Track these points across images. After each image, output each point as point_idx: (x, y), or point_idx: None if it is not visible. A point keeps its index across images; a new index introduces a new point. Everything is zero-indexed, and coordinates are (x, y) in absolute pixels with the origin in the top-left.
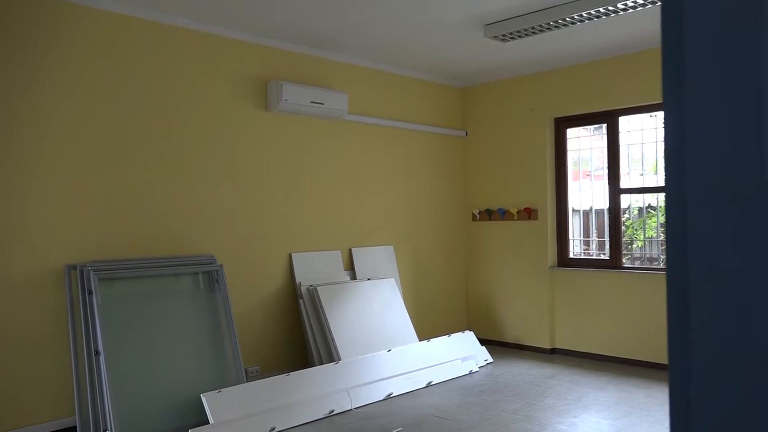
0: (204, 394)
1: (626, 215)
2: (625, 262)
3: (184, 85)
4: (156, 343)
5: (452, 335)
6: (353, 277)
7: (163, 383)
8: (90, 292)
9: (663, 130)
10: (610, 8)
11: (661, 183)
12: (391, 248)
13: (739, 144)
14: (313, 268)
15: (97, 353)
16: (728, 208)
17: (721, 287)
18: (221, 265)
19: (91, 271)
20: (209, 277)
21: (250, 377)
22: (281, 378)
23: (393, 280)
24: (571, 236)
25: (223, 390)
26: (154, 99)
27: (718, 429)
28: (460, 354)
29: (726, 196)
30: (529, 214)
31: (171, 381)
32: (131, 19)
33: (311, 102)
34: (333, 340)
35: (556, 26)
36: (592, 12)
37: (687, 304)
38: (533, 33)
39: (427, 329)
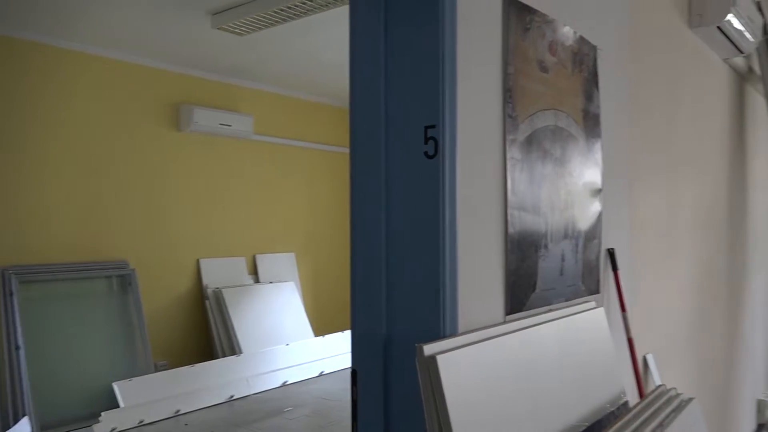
0: (115, 382)
1: None
2: None
3: (103, 107)
4: (71, 339)
5: (345, 331)
6: (256, 281)
7: (77, 375)
8: (11, 294)
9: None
10: None
11: None
12: (292, 255)
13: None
14: (219, 272)
15: (18, 348)
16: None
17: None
18: (133, 270)
19: (12, 275)
20: (122, 280)
21: (159, 370)
22: (187, 369)
23: (293, 283)
24: None
25: (133, 379)
26: (76, 119)
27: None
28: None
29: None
30: None
31: (85, 373)
32: (51, 49)
33: (220, 124)
34: (236, 336)
35: None
36: None
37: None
38: None
39: (325, 326)
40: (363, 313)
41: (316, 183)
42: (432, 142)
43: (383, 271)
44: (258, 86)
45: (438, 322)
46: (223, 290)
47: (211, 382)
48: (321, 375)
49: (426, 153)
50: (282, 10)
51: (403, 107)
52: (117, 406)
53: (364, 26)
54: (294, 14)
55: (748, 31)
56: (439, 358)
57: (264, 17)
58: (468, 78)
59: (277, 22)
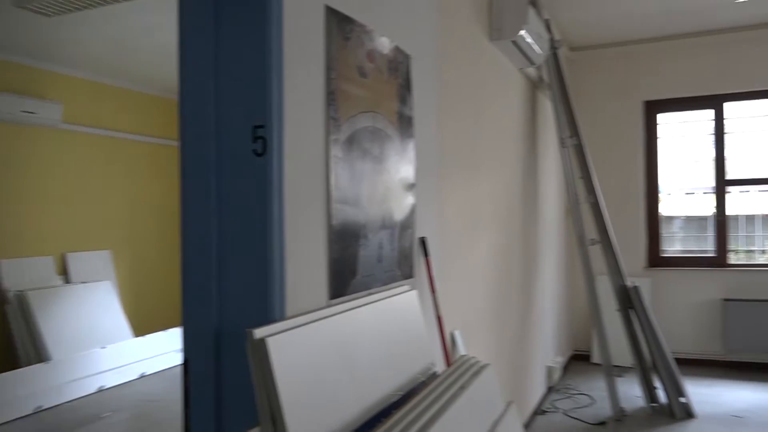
0: None
1: None
2: None
3: None
4: None
5: (170, 330)
6: (67, 281)
7: None
8: None
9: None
10: None
11: None
12: (108, 253)
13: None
14: (22, 273)
15: None
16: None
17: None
18: None
19: None
20: None
21: None
22: None
23: (109, 282)
24: None
25: None
26: None
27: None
28: (177, 346)
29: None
30: None
31: None
32: None
33: (21, 111)
34: (43, 342)
35: None
36: None
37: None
38: None
39: (148, 326)
40: (195, 304)
41: (136, 175)
42: (261, 141)
43: (214, 264)
44: (70, 72)
45: (267, 308)
46: (27, 293)
47: (13, 394)
48: (142, 377)
49: (255, 151)
50: None
51: (232, 107)
52: None
53: (193, 27)
54: None
55: (538, 45)
56: (268, 340)
57: None
58: (294, 81)
59: (89, 5)
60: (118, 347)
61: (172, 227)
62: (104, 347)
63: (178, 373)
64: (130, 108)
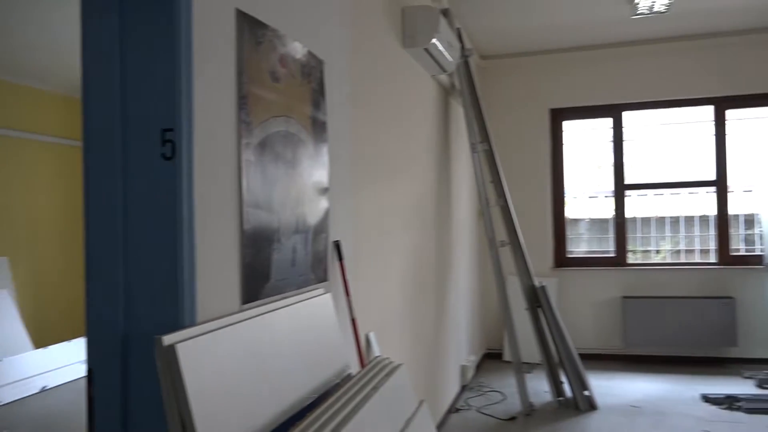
0: None
1: None
2: None
3: None
4: None
5: (73, 340)
6: None
7: None
8: None
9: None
10: None
11: None
12: (4, 259)
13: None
14: None
15: None
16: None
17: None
18: None
19: None
20: None
21: None
22: None
23: (6, 291)
24: None
25: None
26: None
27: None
28: (82, 357)
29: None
30: None
31: None
32: None
33: None
34: None
35: None
36: None
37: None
38: None
39: (52, 336)
40: (99, 310)
41: (35, 177)
42: (169, 145)
43: (120, 269)
44: None
45: (177, 314)
46: None
47: None
48: (43, 390)
49: (164, 155)
50: None
51: (140, 109)
52: None
53: (97, 24)
54: None
55: (449, 53)
56: (178, 347)
57: None
58: (204, 85)
59: None
60: (16, 360)
61: (76, 232)
62: (0, 360)
63: (83, 386)
64: (29, 106)
